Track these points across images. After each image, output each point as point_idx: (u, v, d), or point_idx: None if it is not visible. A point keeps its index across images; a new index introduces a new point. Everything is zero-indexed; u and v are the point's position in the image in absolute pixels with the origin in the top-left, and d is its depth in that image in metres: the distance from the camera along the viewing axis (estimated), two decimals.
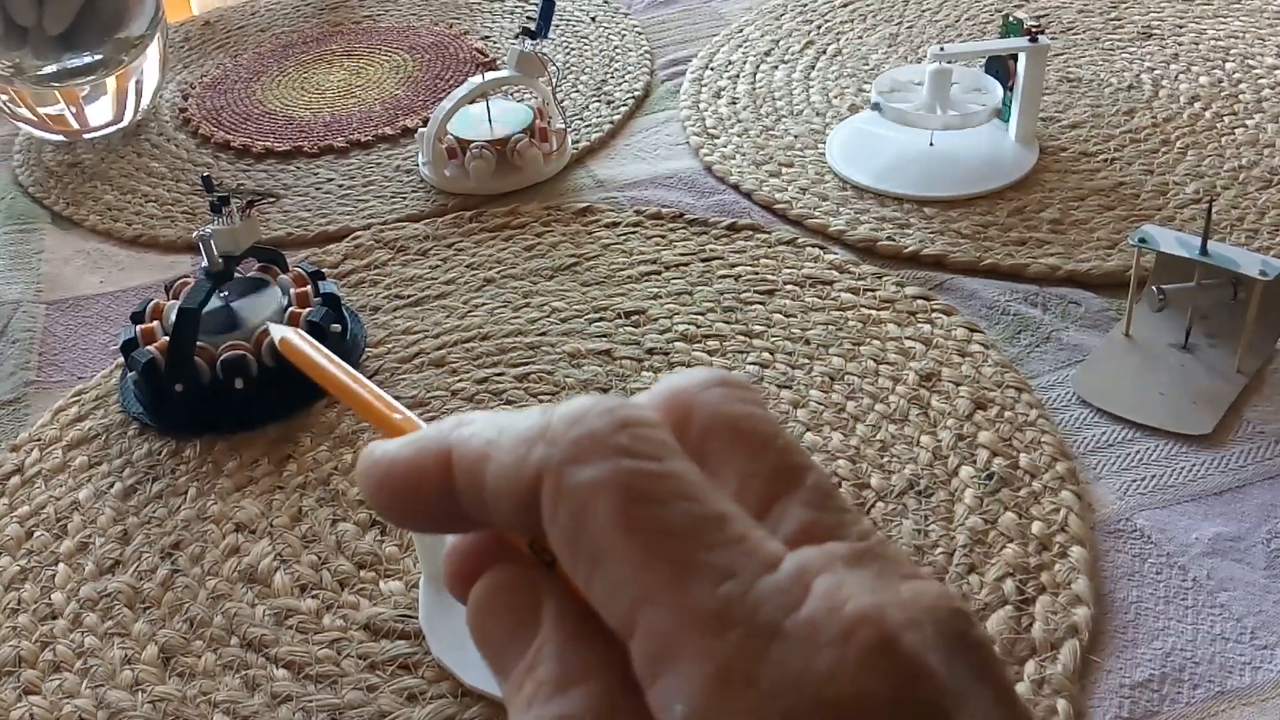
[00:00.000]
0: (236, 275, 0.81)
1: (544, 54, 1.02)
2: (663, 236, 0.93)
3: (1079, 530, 0.65)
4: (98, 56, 1.13)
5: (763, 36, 1.24)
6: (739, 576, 0.16)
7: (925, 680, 0.16)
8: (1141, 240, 0.76)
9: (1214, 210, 0.83)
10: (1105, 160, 0.98)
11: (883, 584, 0.17)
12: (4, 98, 1.13)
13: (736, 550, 0.17)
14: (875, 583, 0.17)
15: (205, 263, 0.79)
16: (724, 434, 0.19)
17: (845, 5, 1.29)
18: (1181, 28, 1.18)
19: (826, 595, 0.16)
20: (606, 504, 0.17)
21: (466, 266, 0.92)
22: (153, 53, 1.17)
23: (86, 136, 1.16)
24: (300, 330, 0.25)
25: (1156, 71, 1.10)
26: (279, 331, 0.25)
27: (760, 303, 0.85)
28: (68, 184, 1.10)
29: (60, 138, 1.17)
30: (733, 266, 0.89)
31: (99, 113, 1.16)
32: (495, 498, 0.18)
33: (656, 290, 0.87)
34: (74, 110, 1.14)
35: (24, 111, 1.14)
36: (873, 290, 0.85)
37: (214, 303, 0.79)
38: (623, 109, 1.13)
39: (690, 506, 0.17)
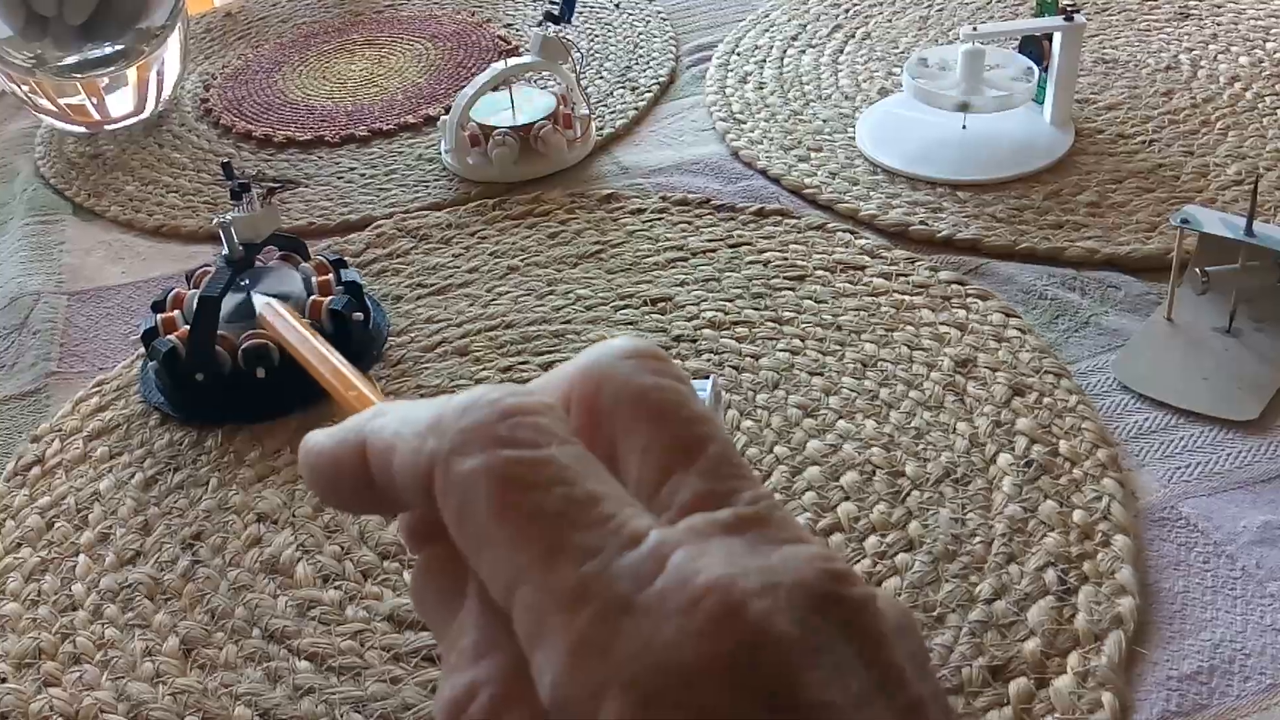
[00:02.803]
0: (257, 264, 0.80)
1: (567, 39, 1.01)
2: (689, 223, 0.92)
3: (1122, 518, 0.63)
4: (118, 47, 1.12)
5: (790, 21, 1.22)
6: (600, 555, 0.17)
7: (769, 643, 0.16)
8: (1184, 221, 0.74)
9: (1259, 191, 0.81)
10: (1143, 142, 0.95)
11: (753, 551, 0.18)
12: (25, 89, 1.13)
13: (602, 530, 0.18)
14: (745, 550, 0.18)
15: (226, 250, 0.78)
16: (631, 405, 0.20)
17: None
18: (1220, 7, 1.16)
19: (679, 568, 0.17)
20: (484, 492, 0.18)
21: (490, 254, 0.91)
22: (173, 43, 1.16)
23: (108, 128, 1.16)
24: (274, 302, 0.26)
25: (1195, 52, 1.08)
26: (260, 301, 0.26)
27: (790, 289, 0.83)
28: (89, 175, 1.10)
29: (82, 129, 1.16)
30: (761, 252, 0.87)
31: (120, 104, 1.15)
32: (402, 486, 0.19)
33: (683, 277, 0.85)
34: (95, 101, 1.13)
35: (45, 103, 1.13)
36: (906, 275, 0.83)
37: (235, 291, 0.77)
38: (648, 95, 1.12)
39: (563, 490, 0.18)
